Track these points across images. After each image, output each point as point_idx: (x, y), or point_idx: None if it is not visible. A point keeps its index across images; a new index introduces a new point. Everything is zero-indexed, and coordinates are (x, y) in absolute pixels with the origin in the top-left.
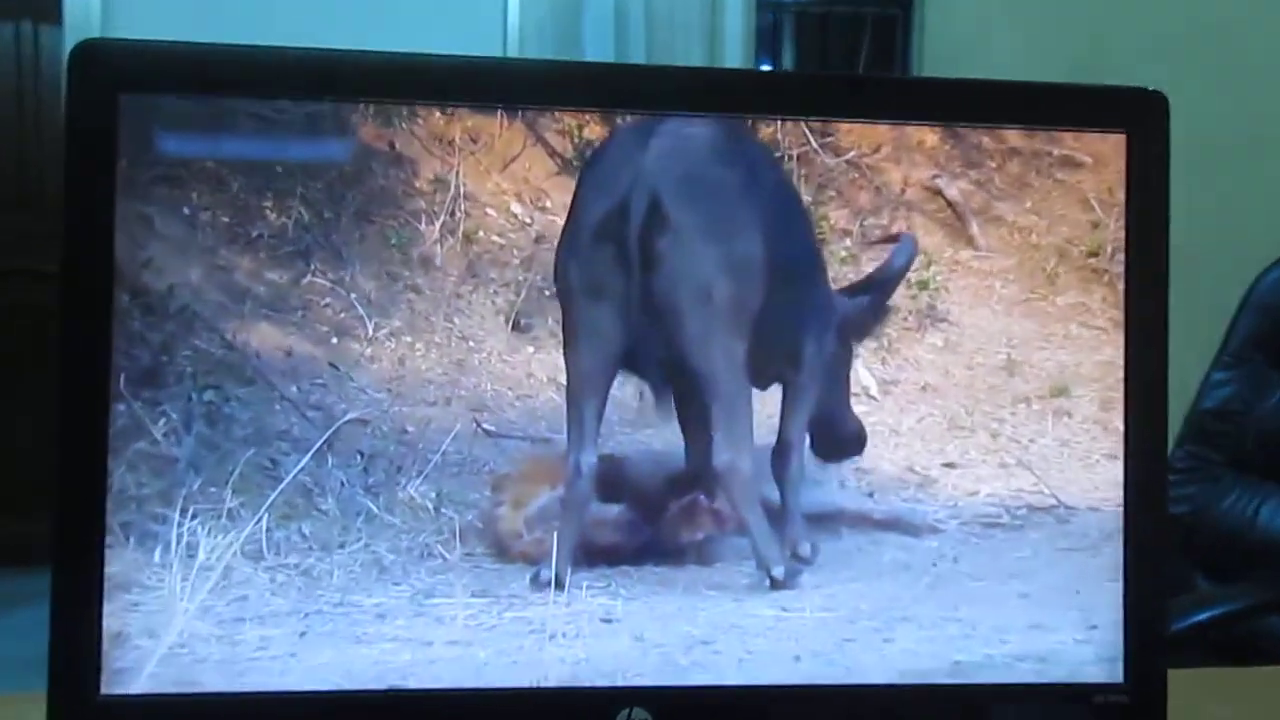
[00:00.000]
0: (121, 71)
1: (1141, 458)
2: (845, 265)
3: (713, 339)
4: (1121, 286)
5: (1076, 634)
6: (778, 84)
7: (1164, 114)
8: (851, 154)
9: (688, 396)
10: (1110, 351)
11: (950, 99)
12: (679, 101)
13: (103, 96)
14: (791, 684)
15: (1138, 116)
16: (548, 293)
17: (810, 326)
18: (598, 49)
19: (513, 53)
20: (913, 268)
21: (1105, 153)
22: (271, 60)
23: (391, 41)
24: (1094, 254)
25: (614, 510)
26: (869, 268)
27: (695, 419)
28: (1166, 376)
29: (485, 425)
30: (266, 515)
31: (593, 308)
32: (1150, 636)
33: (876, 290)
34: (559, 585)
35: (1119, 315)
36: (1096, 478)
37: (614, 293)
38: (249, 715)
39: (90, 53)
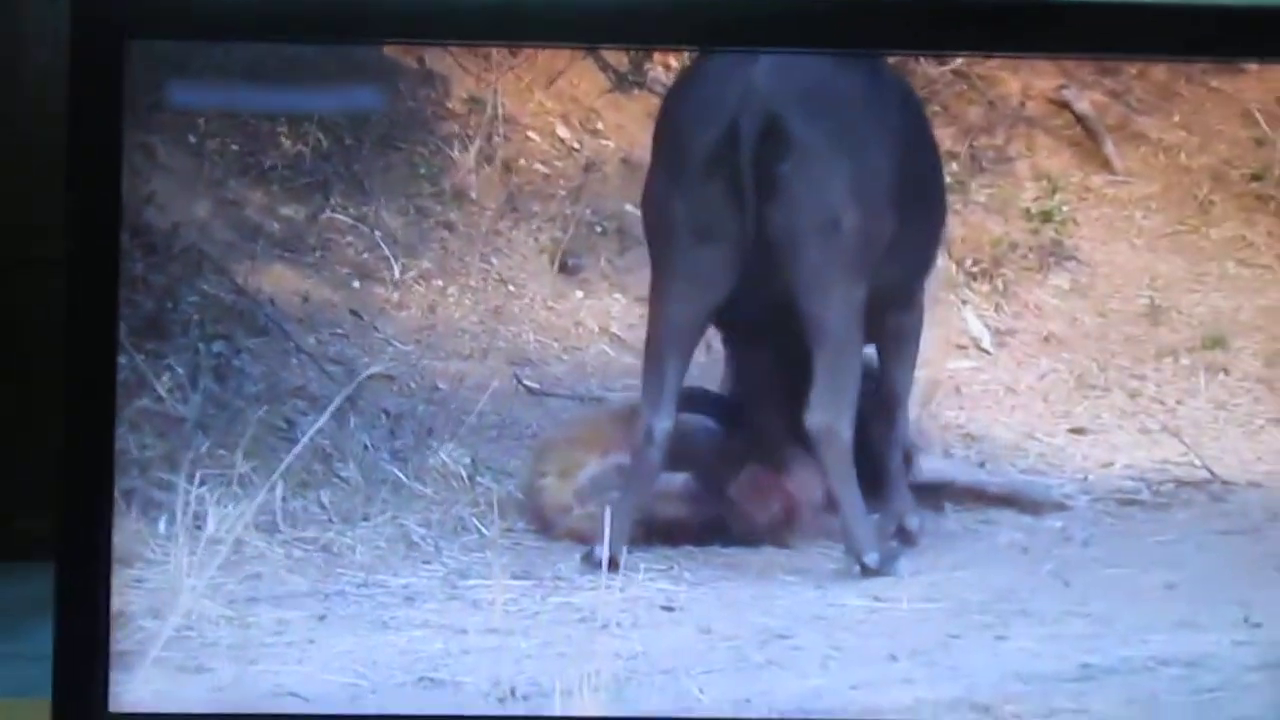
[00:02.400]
0: (127, 15)
1: None
2: (952, 193)
3: (833, 278)
4: None
5: (1235, 634)
6: (895, 12)
7: None
8: (959, 61)
9: (784, 346)
10: (1277, 295)
11: (1095, 28)
12: (773, 36)
13: (108, 42)
14: None
15: None
16: (599, 228)
17: (923, 261)
18: None
19: None
20: (1034, 197)
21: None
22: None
23: None
24: (1258, 177)
25: (678, 481)
26: (980, 196)
27: (789, 373)
28: None
29: (527, 382)
30: (281, 483)
31: (697, 249)
32: None
33: None
34: (613, 567)
35: None
36: (1260, 447)
37: (724, 231)
38: None
39: None
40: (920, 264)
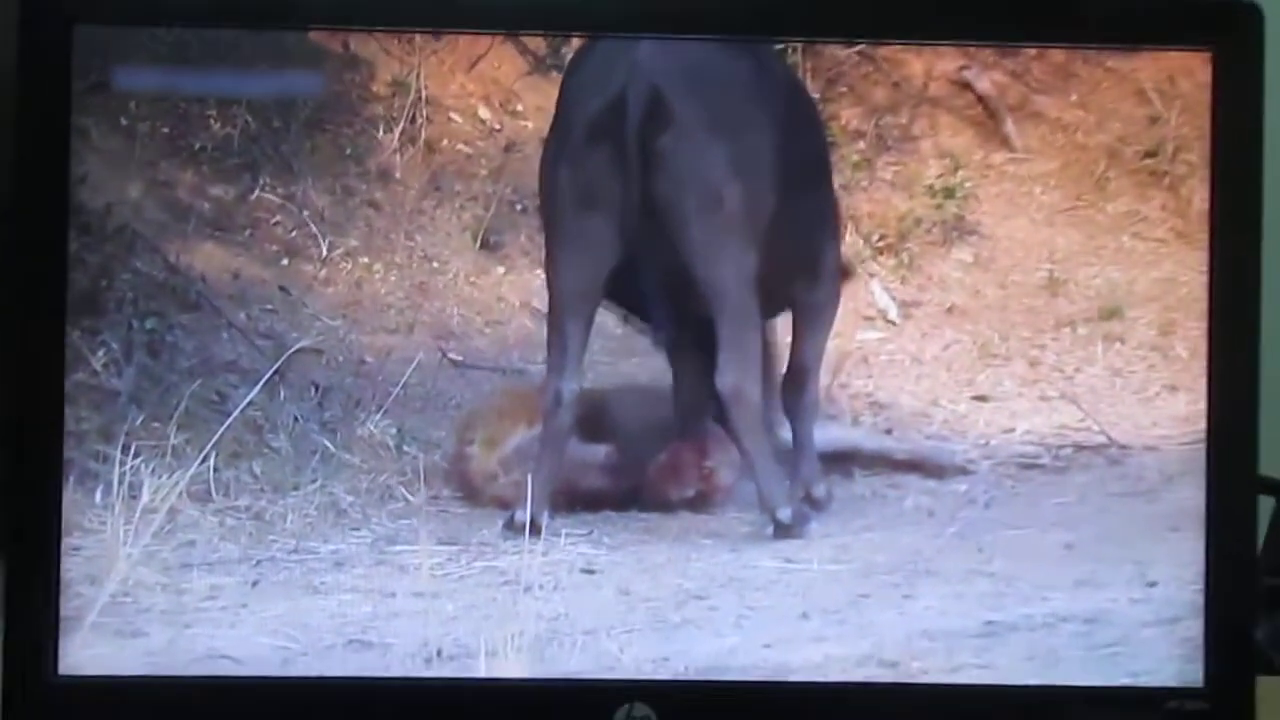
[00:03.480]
0: (74, 1)
1: (1226, 388)
2: (859, 171)
3: (721, 247)
4: (1184, 191)
5: (1131, 592)
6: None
7: (1257, 29)
8: (864, 44)
9: (687, 316)
10: (1170, 266)
11: (994, 12)
12: (663, 23)
13: (54, 27)
14: (815, 681)
15: (1227, 32)
16: (519, 207)
17: (823, 237)
18: None
19: None
20: (938, 174)
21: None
22: None
23: None
24: (1151, 154)
25: (600, 452)
26: (887, 174)
27: (695, 342)
28: (1260, 297)
29: (451, 355)
30: (214, 453)
31: (583, 217)
32: (1234, 618)
33: None
34: (535, 532)
35: (1181, 224)
36: (1155, 413)
37: (609, 199)
38: (203, 698)
39: None
40: (816, 241)
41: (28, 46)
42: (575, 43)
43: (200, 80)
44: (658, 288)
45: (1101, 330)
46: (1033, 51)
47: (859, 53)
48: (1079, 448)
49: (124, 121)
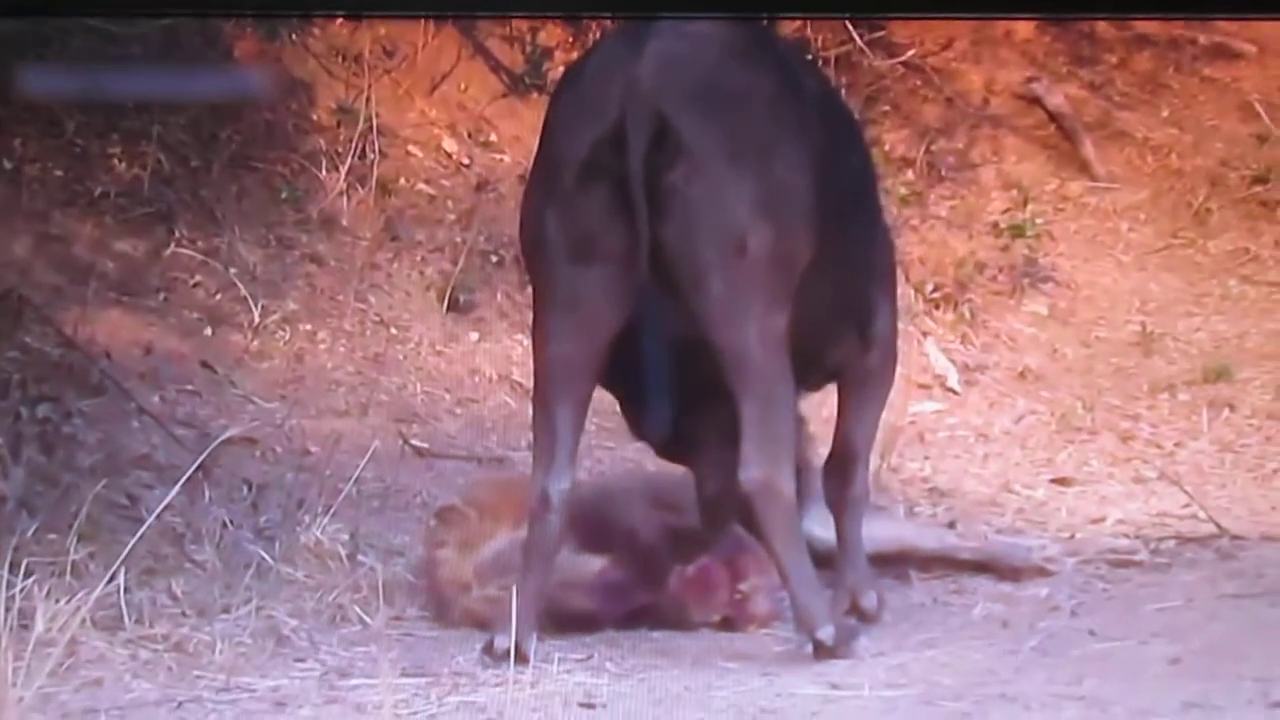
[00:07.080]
0: None
1: None
2: (907, 206)
3: (746, 305)
4: None
5: (1252, 714)
6: None
7: None
8: (911, 53)
9: (705, 392)
10: None
11: None
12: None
13: None
14: None
15: None
16: (495, 258)
17: (874, 289)
18: None
19: None
20: (1003, 208)
21: (1275, 37)
22: None
23: None
24: (1261, 180)
25: (595, 565)
26: (941, 210)
27: (716, 423)
28: None
29: (415, 441)
30: (124, 570)
31: (578, 272)
32: None
33: None
34: (521, 658)
35: None
36: (1275, 494)
37: (610, 249)
38: None
39: None
40: (865, 293)
41: None
42: (558, 57)
43: (101, 110)
44: (668, 357)
45: (1207, 395)
46: (1114, 58)
47: (904, 63)
48: (1183, 539)
49: (7, 164)
